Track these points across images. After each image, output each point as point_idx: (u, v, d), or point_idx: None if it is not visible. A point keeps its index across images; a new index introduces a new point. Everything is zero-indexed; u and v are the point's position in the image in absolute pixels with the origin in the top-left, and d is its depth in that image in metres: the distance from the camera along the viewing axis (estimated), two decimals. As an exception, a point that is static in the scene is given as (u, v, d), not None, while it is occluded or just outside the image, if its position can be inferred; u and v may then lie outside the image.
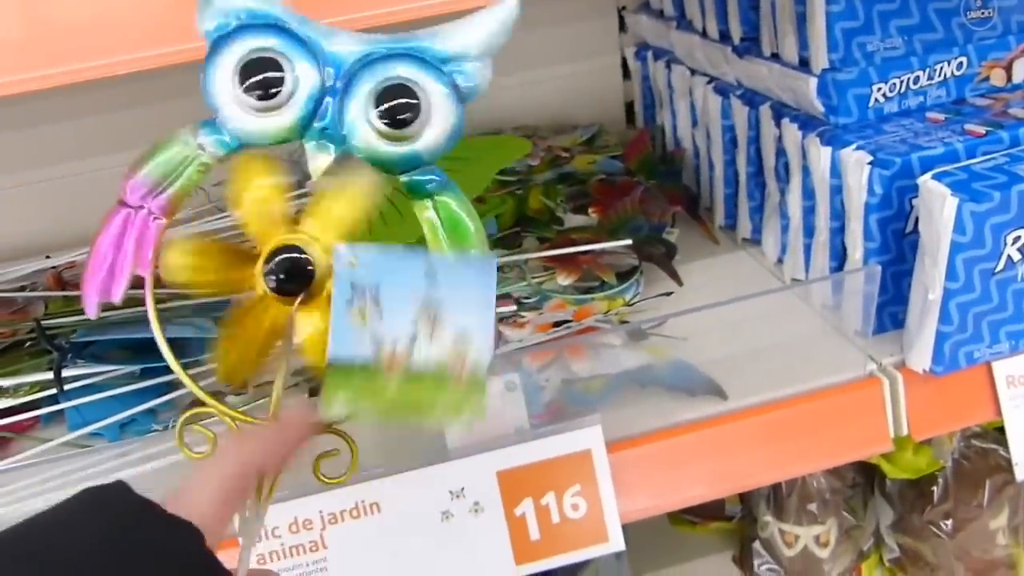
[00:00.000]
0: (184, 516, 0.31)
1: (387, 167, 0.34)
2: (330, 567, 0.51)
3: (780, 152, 0.65)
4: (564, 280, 0.65)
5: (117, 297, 0.34)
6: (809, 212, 0.62)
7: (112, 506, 0.31)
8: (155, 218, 0.34)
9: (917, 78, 0.60)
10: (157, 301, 0.35)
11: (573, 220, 0.73)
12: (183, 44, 0.38)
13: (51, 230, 0.88)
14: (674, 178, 0.79)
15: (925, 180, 0.51)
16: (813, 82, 0.59)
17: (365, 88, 0.33)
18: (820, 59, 0.58)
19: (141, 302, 0.35)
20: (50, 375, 0.59)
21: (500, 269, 0.68)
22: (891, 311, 0.58)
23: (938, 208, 0.50)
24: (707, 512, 0.87)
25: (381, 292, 0.32)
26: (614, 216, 0.71)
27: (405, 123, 0.33)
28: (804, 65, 0.61)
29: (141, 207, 0.34)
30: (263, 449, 0.35)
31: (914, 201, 0.54)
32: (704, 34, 0.73)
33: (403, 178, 0.34)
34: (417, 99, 0.33)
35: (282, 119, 0.33)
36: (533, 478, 0.52)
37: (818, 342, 0.61)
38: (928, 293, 0.52)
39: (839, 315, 0.59)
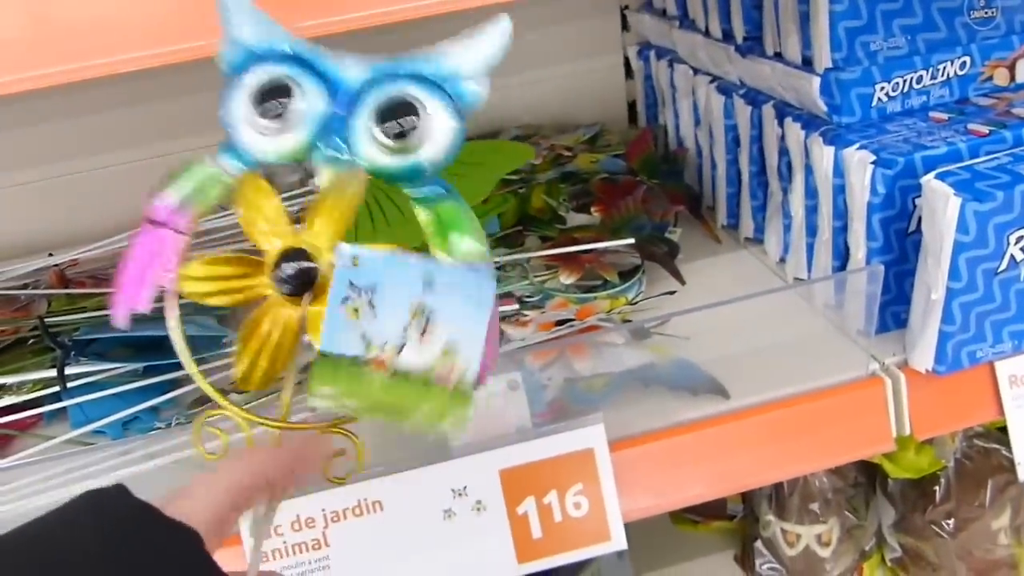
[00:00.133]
0: (184, 520, 0.31)
1: (392, 179, 0.36)
2: (332, 565, 0.51)
3: (783, 151, 0.65)
4: (566, 279, 0.65)
5: (145, 306, 0.36)
6: (812, 211, 0.62)
7: (111, 510, 0.31)
8: (179, 233, 0.36)
9: (920, 77, 0.59)
10: (159, 299, 0.36)
11: (575, 219, 0.73)
12: (184, 43, 0.39)
13: (54, 228, 0.88)
14: (676, 177, 0.79)
15: (928, 180, 0.51)
16: (816, 81, 0.59)
17: (369, 106, 0.36)
18: (823, 58, 0.58)
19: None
20: (53, 373, 0.59)
21: (503, 268, 0.68)
22: (893, 311, 0.58)
23: (941, 208, 0.50)
24: (709, 511, 0.87)
25: (377, 293, 0.34)
26: (616, 215, 0.71)
27: (404, 136, 0.35)
28: (807, 64, 0.61)
29: (166, 224, 0.36)
30: (275, 463, 0.36)
31: (917, 201, 0.54)
32: (707, 33, 0.73)
33: (408, 191, 0.36)
34: (418, 114, 0.35)
35: (293, 139, 0.36)
36: (535, 477, 0.52)
37: (820, 342, 0.61)
38: (931, 293, 0.52)
39: (841, 315, 0.59)
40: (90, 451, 0.53)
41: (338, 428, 0.38)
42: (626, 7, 0.91)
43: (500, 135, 0.89)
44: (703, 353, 0.58)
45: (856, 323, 0.57)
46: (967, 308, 0.52)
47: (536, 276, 0.67)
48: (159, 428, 0.59)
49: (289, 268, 0.35)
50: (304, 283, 0.35)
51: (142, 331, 0.55)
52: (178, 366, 0.59)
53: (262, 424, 0.37)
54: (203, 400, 0.59)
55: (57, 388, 0.59)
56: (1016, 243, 0.51)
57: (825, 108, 0.59)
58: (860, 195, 0.55)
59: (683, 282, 0.67)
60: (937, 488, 0.74)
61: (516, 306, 0.64)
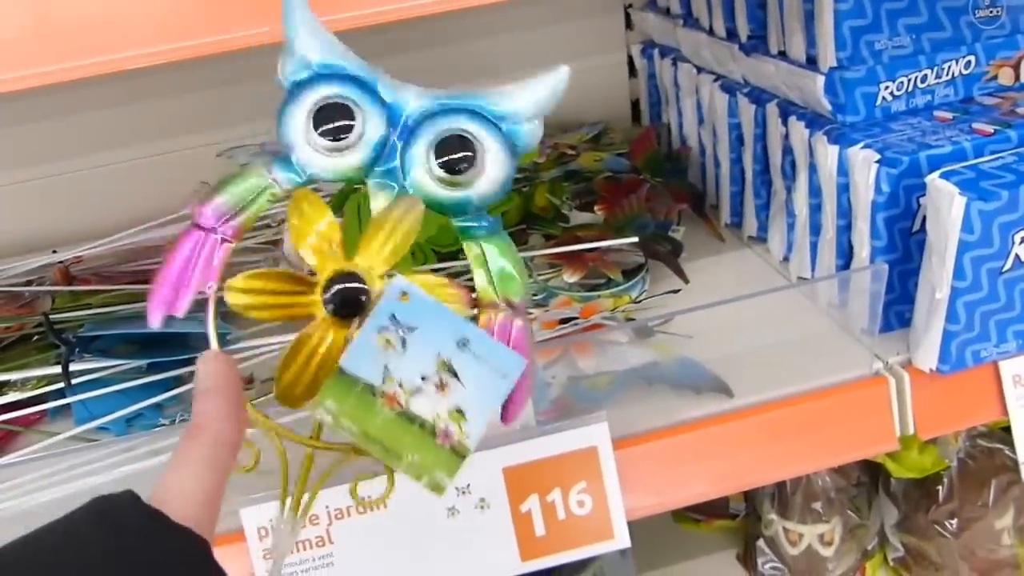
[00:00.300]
0: (188, 523, 0.31)
1: (441, 210, 0.37)
2: (336, 562, 0.51)
3: (787, 150, 0.65)
4: (570, 277, 0.65)
5: (180, 311, 0.36)
6: (816, 210, 0.62)
7: (120, 517, 0.31)
8: (224, 240, 0.36)
9: (925, 77, 0.59)
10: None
11: (579, 217, 0.73)
12: (186, 41, 0.39)
13: (58, 225, 0.88)
14: (680, 176, 0.79)
15: (933, 179, 0.51)
16: (820, 80, 0.59)
17: (427, 137, 0.37)
18: (828, 57, 0.58)
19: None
20: (57, 369, 0.59)
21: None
22: (897, 310, 0.58)
23: (946, 207, 0.50)
24: (711, 510, 0.87)
25: (413, 335, 0.35)
26: (620, 214, 0.71)
27: (459, 170, 0.36)
28: (811, 63, 0.61)
29: (213, 230, 0.36)
30: (217, 415, 0.34)
31: (921, 200, 0.54)
32: (711, 32, 0.73)
33: (455, 221, 0.37)
34: (473, 150, 0.37)
35: (350, 160, 0.37)
36: (539, 475, 0.52)
37: (824, 340, 0.61)
38: (935, 292, 0.52)
39: (845, 313, 0.59)
40: (94, 448, 0.54)
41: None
42: (630, 5, 0.91)
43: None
44: (707, 352, 0.58)
45: (860, 322, 0.57)
46: (971, 307, 0.52)
47: (540, 274, 0.67)
48: (163, 425, 0.59)
49: (341, 291, 0.35)
50: (352, 306, 0.35)
51: (145, 329, 0.56)
52: (182, 363, 0.60)
53: (295, 440, 0.37)
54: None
55: (61, 385, 0.59)
56: (1021, 242, 0.51)
57: (829, 107, 0.59)
58: (864, 194, 0.55)
59: (687, 281, 0.67)
60: (940, 488, 0.74)
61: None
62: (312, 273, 0.36)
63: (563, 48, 0.92)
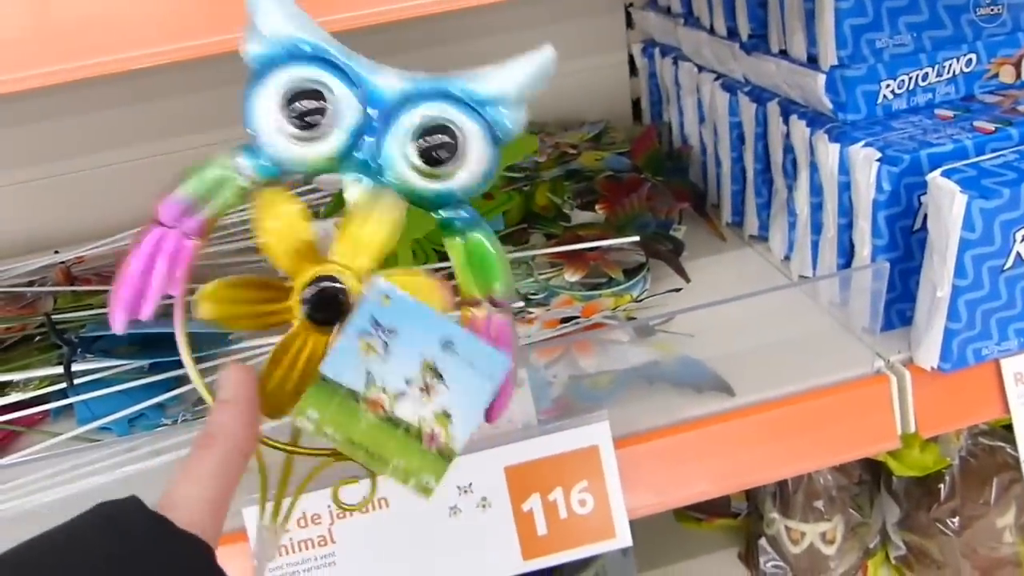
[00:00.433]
0: (193, 530, 0.31)
1: (421, 203, 0.35)
2: (338, 561, 0.51)
3: (788, 149, 0.65)
4: (571, 276, 0.65)
5: (146, 315, 0.34)
6: (817, 209, 0.62)
7: (125, 523, 0.31)
8: (189, 238, 0.34)
9: (926, 75, 0.59)
10: (166, 296, 0.35)
11: (580, 216, 0.73)
12: (188, 41, 0.38)
13: (59, 225, 0.88)
14: (681, 175, 0.79)
15: (934, 177, 0.51)
16: (821, 79, 0.59)
17: (405, 124, 0.34)
18: (828, 56, 0.58)
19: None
20: (59, 370, 0.59)
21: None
22: (899, 308, 0.58)
23: (947, 205, 0.50)
24: (713, 509, 0.87)
25: (396, 338, 0.33)
26: (621, 213, 0.71)
27: (441, 161, 0.34)
28: (812, 62, 0.61)
29: (175, 227, 0.34)
30: (234, 426, 0.34)
31: (922, 198, 0.54)
32: (711, 31, 0.73)
33: (435, 214, 0.35)
34: (455, 138, 0.34)
35: (322, 149, 0.34)
36: (540, 474, 0.52)
37: (825, 339, 0.61)
38: (936, 290, 0.52)
39: (847, 312, 0.59)
40: (96, 448, 0.54)
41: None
42: (631, 4, 0.91)
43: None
44: (708, 350, 0.58)
45: (861, 320, 0.57)
46: (973, 305, 0.52)
47: (541, 274, 0.67)
48: (165, 425, 0.59)
49: (317, 294, 0.34)
50: (330, 310, 0.34)
51: (148, 328, 0.56)
52: (183, 363, 0.60)
53: (273, 447, 0.36)
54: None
55: (63, 385, 0.59)
56: (1022, 240, 0.51)
57: (830, 105, 0.59)
58: (865, 192, 0.55)
59: (688, 280, 0.67)
60: (942, 486, 0.74)
61: (521, 304, 0.64)
62: (286, 278, 0.34)
63: (564, 47, 0.91)
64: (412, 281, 0.34)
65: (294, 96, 0.33)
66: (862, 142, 0.56)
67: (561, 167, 0.79)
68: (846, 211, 0.59)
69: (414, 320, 0.33)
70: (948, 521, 0.74)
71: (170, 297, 0.35)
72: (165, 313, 0.36)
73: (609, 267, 0.65)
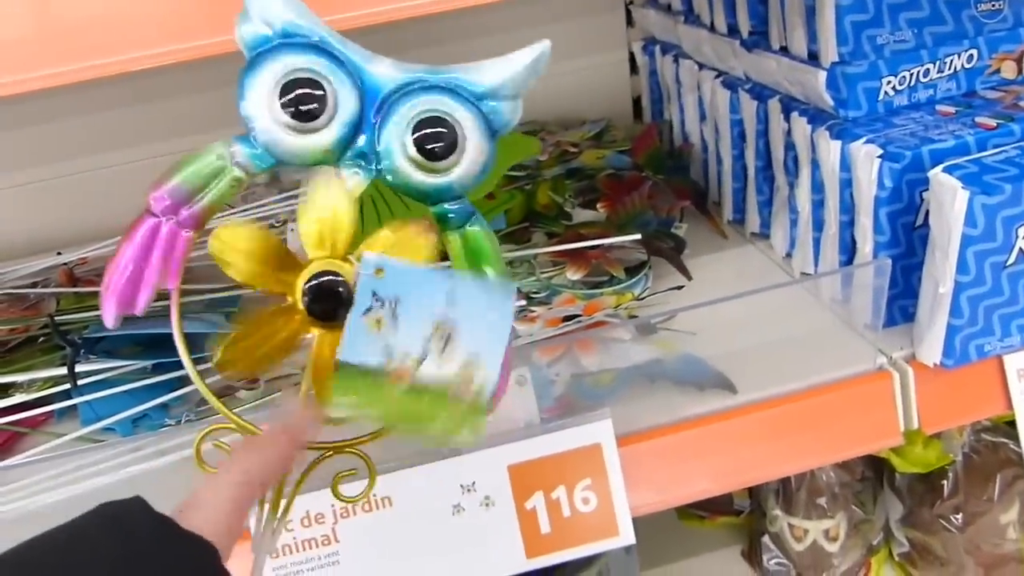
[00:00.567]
0: (198, 532, 0.31)
1: (419, 196, 0.35)
2: (342, 560, 0.51)
3: (789, 146, 0.65)
4: (573, 275, 0.65)
5: (140, 309, 0.34)
6: (818, 206, 0.62)
7: (129, 523, 0.31)
8: (184, 230, 0.34)
9: (927, 71, 0.59)
10: (164, 296, 0.36)
11: (582, 215, 0.73)
12: (191, 41, 0.38)
13: (62, 226, 0.88)
14: (682, 173, 0.79)
15: (936, 173, 0.51)
16: (822, 75, 0.59)
17: (402, 117, 0.34)
18: (829, 52, 0.58)
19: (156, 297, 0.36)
20: (63, 370, 0.60)
21: (509, 264, 0.68)
22: (901, 304, 0.58)
23: (949, 201, 0.50)
24: (716, 506, 0.87)
25: (400, 305, 0.33)
26: (623, 211, 0.71)
27: (439, 155, 0.34)
28: (813, 58, 0.61)
29: (170, 218, 0.33)
30: (263, 458, 0.35)
31: (924, 194, 0.54)
32: (712, 28, 0.73)
33: (433, 208, 0.35)
34: (452, 131, 0.34)
35: (319, 140, 0.33)
36: (543, 472, 0.52)
37: (828, 336, 0.61)
38: (938, 286, 0.52)
39: (849, 309, 0.59)
40: (100, 448, 0.54)
41: (352, 449, 0.37)
42: (631, 2, 0.91)
43: (505, 131, 0.89)
44: (710, 348, 0.58)
45: (863, 317, 0.57)
46: (975, 301, 0.52)
47: (543, 272, 0.67)
48: (169, 425, 0.59)
49: (316, 288, 0.34)
50: (327, 304, 0.34)
51: (151, 328, 0.56)
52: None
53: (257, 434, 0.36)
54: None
55: (67, 386, 0.59)
56: (1024, 236, 0.51)
57: (831, 102, 0.59)
58: (867, 189, 0.55)
59: (689, 277, 0.67)
60: (945, 482, 0.74)
61: (523, 302, 0.64)
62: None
63: (564, 46, 0.92)
64: (397, 239, 0.34)
65: (290, 87, 0.33)
66: (863, 139, 0.56)
67: (562, 166, 0.79)
68: (848, 208, 0.59)
69: (412, 282, 0.33)
70: (951, 517, 0.74)
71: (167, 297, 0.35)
72: (166, 314, 0.36)
73: (611, 265, 0.65)
